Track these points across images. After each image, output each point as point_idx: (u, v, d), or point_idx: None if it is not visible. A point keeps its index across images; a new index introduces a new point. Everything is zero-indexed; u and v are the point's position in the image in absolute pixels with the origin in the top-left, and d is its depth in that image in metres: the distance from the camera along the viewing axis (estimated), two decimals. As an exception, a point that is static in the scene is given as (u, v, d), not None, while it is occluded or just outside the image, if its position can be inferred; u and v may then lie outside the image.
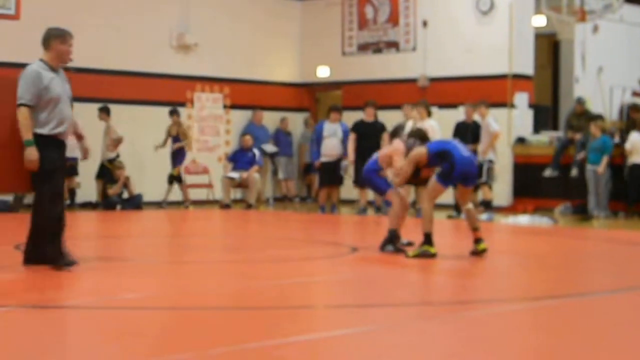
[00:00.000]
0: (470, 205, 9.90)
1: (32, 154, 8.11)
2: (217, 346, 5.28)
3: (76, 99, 16.62)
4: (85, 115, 17.28)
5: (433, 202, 9.66)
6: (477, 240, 9.73)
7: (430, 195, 9.65)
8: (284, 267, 9.14)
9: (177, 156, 17.86)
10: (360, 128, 16.16)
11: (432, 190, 9.65)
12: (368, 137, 15.94)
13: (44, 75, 8.22)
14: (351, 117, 17.16)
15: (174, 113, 17.82)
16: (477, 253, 9.69)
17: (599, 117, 16.84)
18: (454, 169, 9.46)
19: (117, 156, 17.36)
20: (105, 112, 17.34)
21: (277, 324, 6.03)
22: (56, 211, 8.23)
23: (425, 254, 9.46)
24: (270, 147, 19.61)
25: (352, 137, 16.11)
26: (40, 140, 8.16)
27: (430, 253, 9.46)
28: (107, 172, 17.31)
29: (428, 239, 9.48)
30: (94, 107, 17.34)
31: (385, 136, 15.77)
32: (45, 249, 8.21)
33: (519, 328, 6.16)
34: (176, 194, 18.41)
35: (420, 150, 9.66)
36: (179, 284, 7.80)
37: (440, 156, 9.57)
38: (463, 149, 9.63)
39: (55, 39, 8.36)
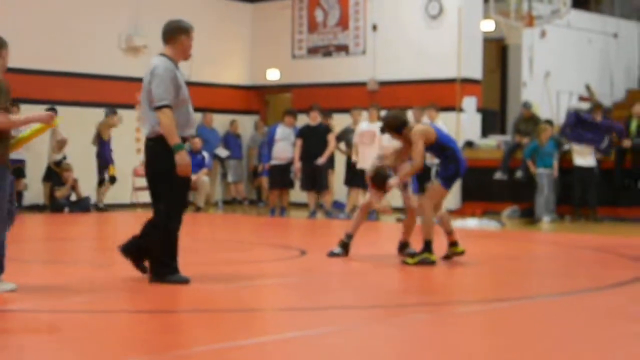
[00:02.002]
0: (443, 210, 9.85)
1: (184, 158, 7.38)
2: (168, 349, 5.25)
3: (23, 100, 16.66)
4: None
5: (433, 208, 9.40)
6: (454, 244, 9.70)
7: (433, 201, 9.40)
8: (234, 270, 9.11)
9: (109, 155, 17.60)
10: (305, 132, 16.25)
11: (436, 196, 9.44)
12: (314, 140, 16.09)
13: (177, 73, 7.59)
14: (302, 120, 17.19)
15: (114, 113, 17.53)
16: (457, 255, 9.66)
17: (547, 122, 17.03)
18: (458, 172, 9.42)
19: (64, 158, 17.18)
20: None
21: (228, 327, 6.02)
22: (180, 222, 7.62)
23: (425, 261, 9.25)
24: (223, 152, 19.51)
25: (298, 143, 16.17)
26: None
27: (431, 260, 9.24)
28: (54, 175, 17.13)
29: (428, 247, 9.29)
30: (41, 108, 17.14)
31: (330, 137, 16.08)
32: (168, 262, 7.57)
33: (469, 330, 6.21)
34: (126, 195, 18.30)
35: (427, 128, 9.40)
36: (128, 287, 7.74)
37: (443, 149, 9.37)
38: (461, 153, 9.62)
39: (182, 33, 7.77)
